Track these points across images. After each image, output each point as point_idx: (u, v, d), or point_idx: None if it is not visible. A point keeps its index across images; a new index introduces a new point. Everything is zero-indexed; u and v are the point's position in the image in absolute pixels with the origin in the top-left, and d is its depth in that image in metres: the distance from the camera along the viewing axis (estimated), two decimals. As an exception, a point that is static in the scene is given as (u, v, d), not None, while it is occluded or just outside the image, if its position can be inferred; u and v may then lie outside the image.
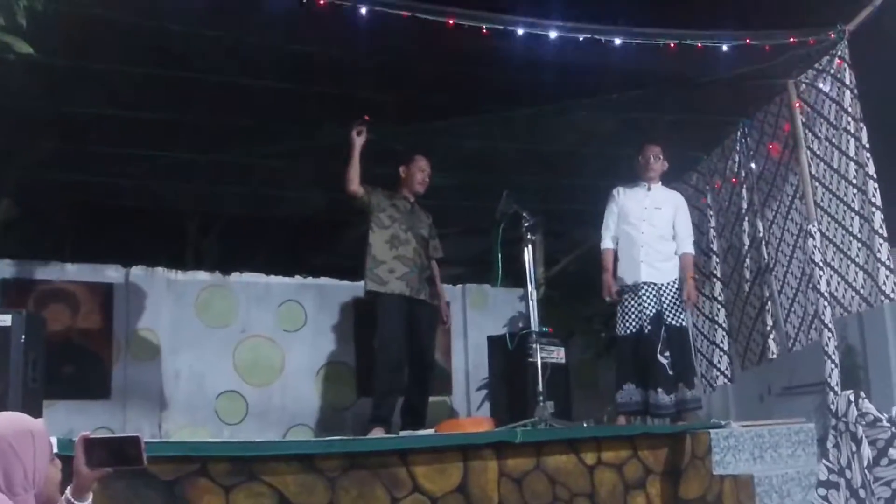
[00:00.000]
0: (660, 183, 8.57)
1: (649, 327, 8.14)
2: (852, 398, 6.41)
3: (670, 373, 8.08)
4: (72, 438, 3.38)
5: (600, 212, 8.59)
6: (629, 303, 8.28)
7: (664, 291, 8.21)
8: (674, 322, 8.16)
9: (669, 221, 8.42)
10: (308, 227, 13.27)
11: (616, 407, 8.29)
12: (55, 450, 3.35)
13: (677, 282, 8.27)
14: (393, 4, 6.51)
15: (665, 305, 8.17)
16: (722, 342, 9.47)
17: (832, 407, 6.82)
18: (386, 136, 8.50)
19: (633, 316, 8.24)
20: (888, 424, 6.24)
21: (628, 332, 8.26)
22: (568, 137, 9.19)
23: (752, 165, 9.16)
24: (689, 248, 8.44)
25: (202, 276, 10.95)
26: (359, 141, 7.96)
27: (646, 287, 8.22)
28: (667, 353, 8.09)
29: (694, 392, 8.19)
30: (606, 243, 8.51)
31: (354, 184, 7.98)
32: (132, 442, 3.27)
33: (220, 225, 14.24)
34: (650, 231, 8.34)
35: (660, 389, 8.02)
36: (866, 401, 6.41)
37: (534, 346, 7.16)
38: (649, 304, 8.19)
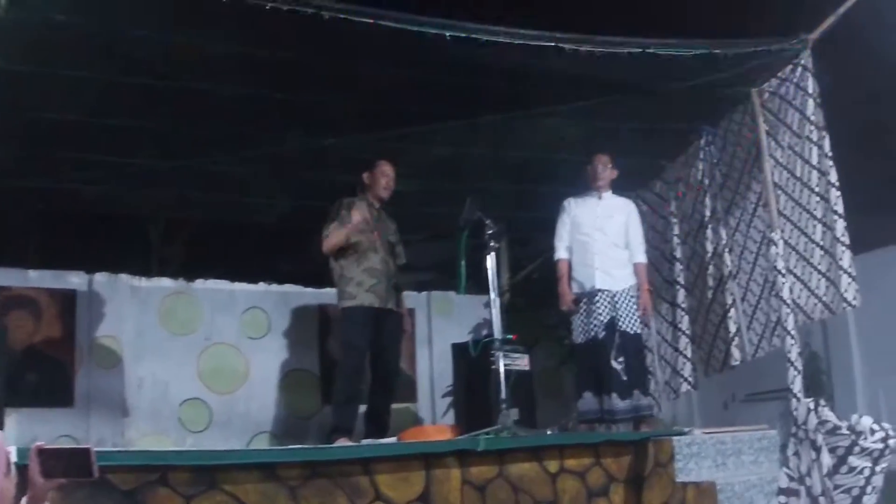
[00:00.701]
0: (610, 191, 8.66)
1: (603, 333, 8.22)
2: (812, 406, 6.47)
3: (624, 378, 8.15)
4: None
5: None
6: (584, 310, 8.37)
7: (618, 298, 8.30)
8: (627, 329, 8.24)
9: (622, 229, 8.52)
10: (273, 234, 13.25)
11: (577, 415, 8.33)
12: (14, 459, 3.32)
13: (632, 289, 8.36)
14: (357, 11, 6.49)
15: (619, 312, 8.25)
16: (685, 349, 9.50)
17: (794, 414, 6.87)
18: (350, 143, 8.49)
19: (588, 323, 8.34)
20: (848, 432, 6.30)
21: (584, 339, 8.37)
22: (534, 145, 9.21)
23: (716, 173, 9.20)
24: (642, 257, 8.54)
25: (166, 283, 10.87)
26: (356, 217, 8.00)
27: (600, 294, 8.31)
28: (620, 359, 8.18)
29: (647, 399, 8.30)
30: (560, 254, 8.61)
31: (329, 249, 8.10)
32: (83, 453, 3.24)
33: (184, 231, 14.21)
34: (603, 239, 8.44)
35: (614, 395, 8.11)
36: (826, 409, 6.46)
37: (497, 353, 7.15)
38: (603, 311, 8.27)
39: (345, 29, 6.55)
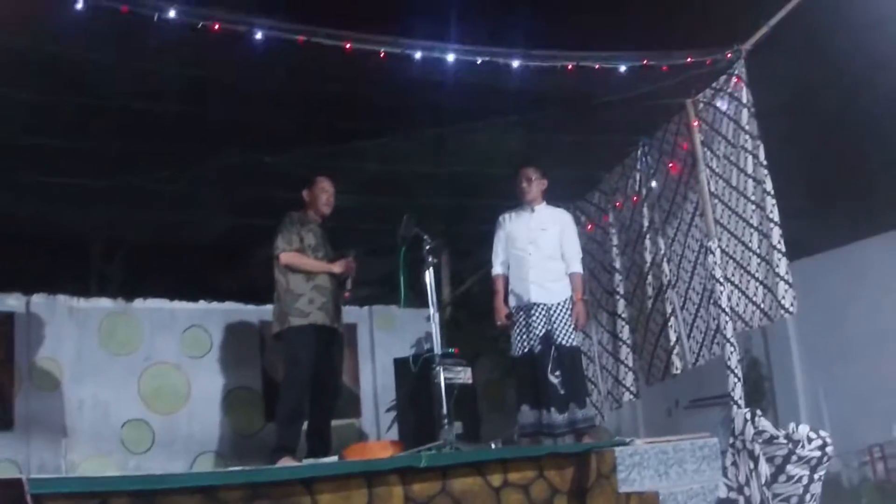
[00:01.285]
0: (543, 203, 8.57)
1: (539, 347, 8.17)
2: (748, 416, 6.49)
3: (561, 392, 8.12)
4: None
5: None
6: (521, 324, 8.31)
7: (554, 312, 8.23)
8: (563, 342, 8.17)
9: (556, 241, 8.42)
10: (212, 251, 13.16)
11: (518, 428, 8.32)
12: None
13: (568, 301, 8.29)
14: (289, 29, 6.48)
15: (555, 325, 8.18)
16: (626, 359, 9.55)
17: (732, 425, 6.90)
18: (288, 160, 8.46)
19: (525, 337, 8.28)
20: (785, 441, 6.33)
21: (521, 352, 8.30)
22: (471, 159, 9.21)
23: (653, 184, 9.27)
24: (578, 268, 8.45)
25: (105, 303, 10.77)
26: (338, 269, 8.08)
27: (536, 307, 8.23)
28: (557, 373, 8.13)
29: (585, 411, 8.23)
30: (496, 269, 8.57)
31: (289, 263, 8.06)
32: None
33: (123, 250, 14.06)
34: (537, 252, 8.37)
35: (552, 409, 8.07)
36: (763, 418, 6.49)
37: (437, 368, 7.13)
38: (539, 325, 8.21)
39: (279, 47, 6.53)
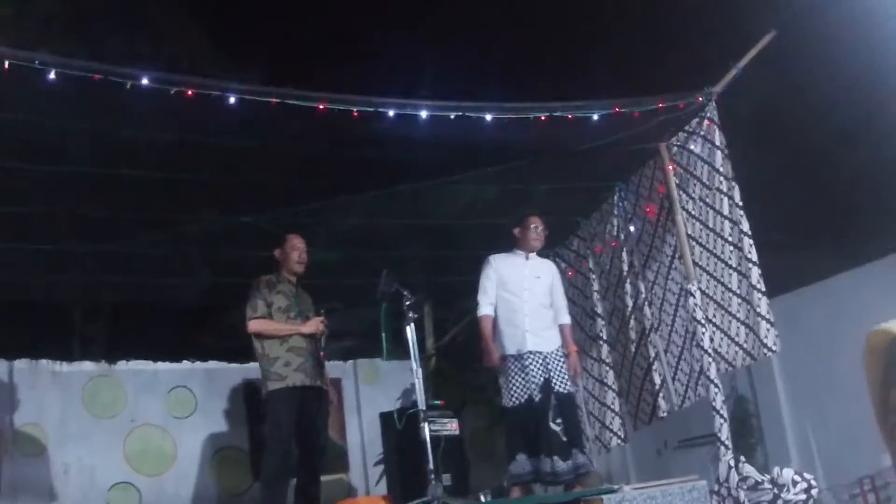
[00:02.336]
0: (535, 252, 8.55)
1: (539, 395, 8.03)
2: (732, 463, 6.51)
3: (564, 439, 8.00)
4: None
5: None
6: (514, 372, 8.14)
7: (550, 359, 8.13)
8: (562, 389, 8.09)
9: (548, 290, 8.41)
10: (194, 311, 13.18)
11: (510, 478, 8.25)
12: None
13: (560, 349, 8.24)
14: (262, 92, 6.52)
15: (552, 373, 8.10)
16: (613, 403, 9.54)
17: (716, 472, 6.89)
18: (266, 219, 8.49)
19: (520, 386, 8.10)
20: (770, 486, 6.34)
21: (517, 402, 8.11)
22: (449, 211, 9.25)
23: (631, 228, 9.30)
24: (567, 319, 8.46)
25: (88, 366, 10.75)
26: (308, 330, 8.07)
27: (532, 356, 8.12)
28: (559, 420, 8.02)
29: (585, 457, 8.17)
30: (485, 310, 8.35)
31: (258, 332, 8.06)
32: None
33: (104, 313, 14.08)
34: (532, 299, 8.29)
35: (555, 457, 7.91)
36: (746, 464, 6.51)
37: (423, 424, 7.11)
38: (537, 373, 8.07)
39: (253, 109, 6.57)
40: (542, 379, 8.09)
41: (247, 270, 8.53)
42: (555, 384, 8.10)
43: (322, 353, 8.30)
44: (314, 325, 8.12)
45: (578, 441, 8.16)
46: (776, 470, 6.53)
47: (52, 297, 11.07)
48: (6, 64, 5.81)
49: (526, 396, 8.10)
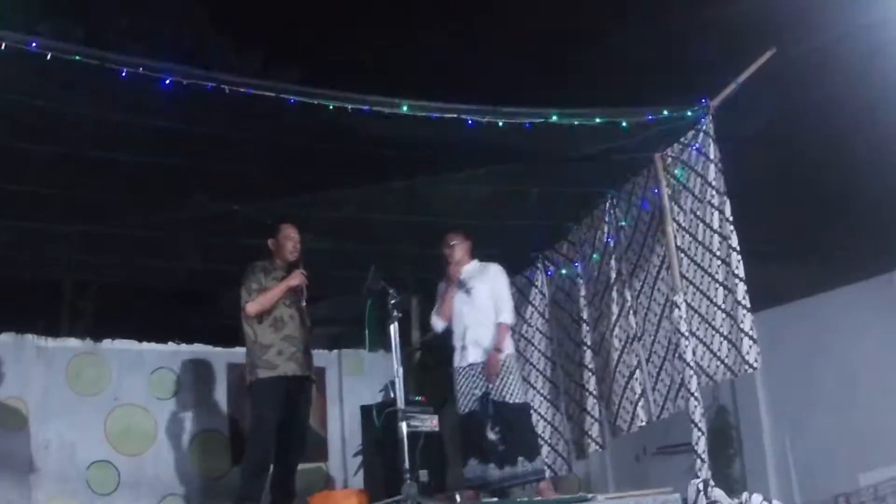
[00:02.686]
0: (474, 262, 8.77)
1: (477, 406, 8.35)
2: (701, 487, 6.53)
3: (500, 448, 8.26)
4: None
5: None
6: (461, 382, 8.50)
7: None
8: (498, 398, 8.31)
9: (487, 294, 8.55)
10: (182, 294, 13.19)
11: (465, 482, 8.39)
12: None
13: (509, 358, 8.44)
14: (258, 86, 6.54)
15: (493, 384, 8.32)
16: (593, 409, 9.54)
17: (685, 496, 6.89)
18: (257, 208, 8.50)
19: (465, 395, 8.45)
20: (738, 512, 6.36)
21: (463, 410, 8.48)
22: (439, 208, 9.24)
23: (620, 236, 9.30)
24: (506, 318, 8.55)
25: (73, 343, 10.76)
26: (294, 282, 8.05)
27: (473, 367, 8.42)
28: (497, 429, 8.29)
29: (535, 464, 8.32)
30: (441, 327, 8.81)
31: (257, 312, 8.02)
32: None
33: (92, 292, 14.08)
34: (471, 313, 8.53)
35: (491, 465, 8.24)
36: (716, 489, 6.52)
37: (401, 423, 7.14)
38: (477, 384, 8.38)
39: (249, 101, 6.58)
40: (481, 390, 8.40)
41: (237, 257, 8.56)
42: (494, 394, 8.33)
43: (304, 304, 8.31)
44: (297, 276, 8.11)
45: (524, 449, 8.33)
46: (745, 495, 6.56)
47: (40, 274, 11.06)
48: (2, 45, 5.80)
49: (469, 406, 8.44)
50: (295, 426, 8.13)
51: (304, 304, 8.32)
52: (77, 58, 6.07)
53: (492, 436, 8.28)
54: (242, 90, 6.47)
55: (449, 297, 8.59)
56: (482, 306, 8.50)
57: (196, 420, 10.94)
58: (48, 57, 5.99)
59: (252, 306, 8.01)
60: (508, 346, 8.56)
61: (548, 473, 10.02)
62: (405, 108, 7.08)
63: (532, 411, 10.03)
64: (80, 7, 12.61)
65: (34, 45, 5.95)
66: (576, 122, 7.61)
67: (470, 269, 8.67)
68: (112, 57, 6.16)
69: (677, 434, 10.34)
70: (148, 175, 8.01)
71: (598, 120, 7.69)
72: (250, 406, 8.22)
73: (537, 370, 10.39)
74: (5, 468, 9.83)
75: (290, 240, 8.27)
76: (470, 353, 8.45)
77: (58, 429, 10.22)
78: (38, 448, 10.09)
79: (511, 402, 8.33)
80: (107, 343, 10.82)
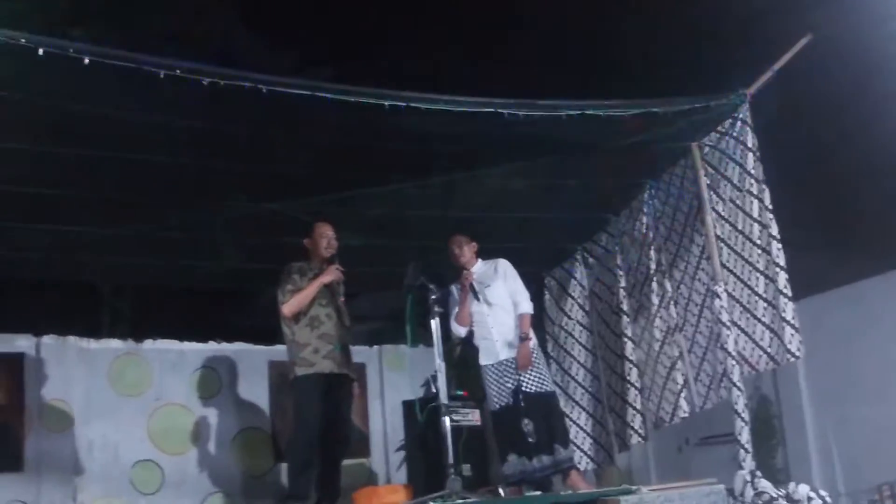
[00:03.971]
0: (478, 261, 8.77)
1: (510, 400, 8.37)
2: (749, 478, 6.50)
3: (532, 440, 8.26)
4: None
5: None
6: (492, 379, 8.53)
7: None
8: (529, 389, 8.33)
9: (503, 291, 8.58)
10: (221, 293, 13.20)
11: (504, 478, 8.39)
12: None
13: (534, 348, 8.46)
14: (294, 84, 6.55)
15: (522, 376, 8.35)
16: (635, 401, 9.51)
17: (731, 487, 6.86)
18: (294, 207, 8.52)
19: (497, 391, 8.48)
20: (785, 502, 6.31)
21: (497, 406, 8.50)
22: (477, 203, 9.23)
23: (660, 226, 9.26)
24: (525, 308, 8.54)
25: (115, 344, 10.85)
26: (328, 278, 8.01)
27: (506, 363, 8.45)
28: (526, 421, 8.28)
29: (567, 451, 8.40)
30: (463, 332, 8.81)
31: (293, 312, 8.01)
32: None
33: (132, 293, 14.12)
34: (491, 311, 8.56)
35: (530, 457, 8.27)
36: (763, 479, 6.49)
37: (444, 418, 7.14)
38: (509, 379, 8.41)
39: (286, 100, 6.59)
40: (513, 384, 8.43)
41: (276, 255, 8.56)
42: (524, 385, 8.38)
43: (342, 300, 8.32)
44: (332, 272, 8.09)
45: (557, 437, 8.37)
46: (792, 485, 6.52)
47: (80, 277, 11.11)
48: (40, 51, 5.83)
49: (503, 402, 8.45)
50: (337, 423, 8.12)
51: (342, 299, 8.32)
52: (113, 61, 6.08)
53: (527, 428, 8.28)
54: (280, 89, 6.45)
55: (466, 303, 8.57)
56: (502, 304, 8.54)
57: (238, 418, 11.01)
58: (86, 62, 6.01)
59: (288, 307, 8.02)
60: (533, 336, 8.57)
61: (589, 465, 10.07)
62: (441, 105, 7.06)
63: (573, 403, 10.07)
64: (113, 10, 12.65)
65: (72, 50, 5.96)
66: (613, 113, 7.56)
67: (479, 270, 8.70)
68: (149, 59, 6.17)
69: (720, 424, 10.29)
70: (185, 176, 8.02)
71: (635, 111, 7.65)
72: (293, 404, 8.24)
73: (578, 362, 10.40)
74: (51, 470, 9.95)
75: (324, 237, 8.25)
76: (499, 350, 8.49)
77: (101, 429, 10.32)
78: (82, 449, 10.21)
79: (542, 390, 8.38)
80: (148, 343, 10.91)
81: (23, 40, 5.83)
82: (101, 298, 14.18)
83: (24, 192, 7.96)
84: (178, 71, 6.22)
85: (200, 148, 7.63)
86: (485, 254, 8.82)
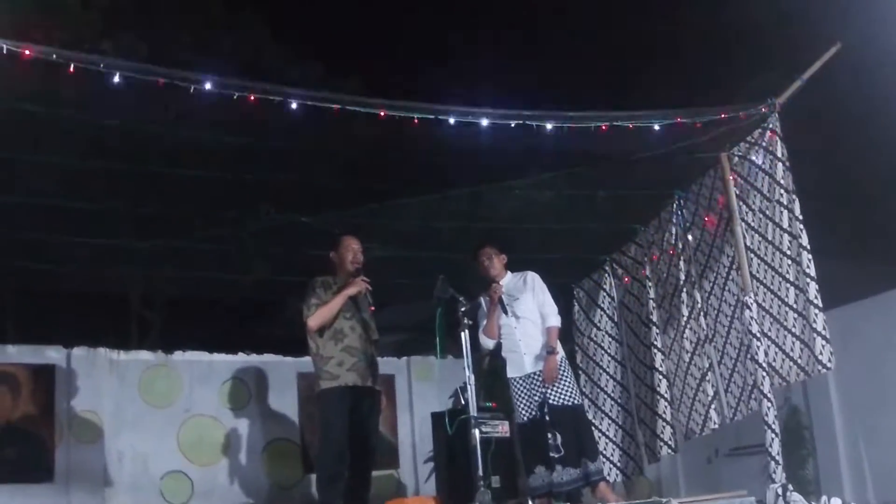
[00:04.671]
0: (508, 274, 8.78)
1: (537, 413, 8.42)
2: (780, 491, 6.46)
3: (561, 452, 8.29)
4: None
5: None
6: (520, 392, 8.57)
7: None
8: (556, 402, 8.38)
9: (531, 304, 8.59)
10: (250, 304, 13.28)
11: (530, 491, 8.38)
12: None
13: (562, 361, 8.53)
14: (324, 98, 6.56)
15: (548, 389, 8.40)
16: (665, 412, 9.48)
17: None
18: (324, 219, 8.54)
19: (524, 404, 8.52)
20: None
21: (524, 419, 8.51)
22: (506, 215, 9.23)
23: (689, 237, 9.23)
24: (553, 321, 8.57)
25: (145, 355, 10.92)
26: (353, 290, 8.01)
27: (533, 376, 8.49)
28: (555, 433, 8.32)
29: (597, 464, 8.41)
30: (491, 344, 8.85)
31: (318, 325, 8.01)
32: None
33: (162, 305, 14.22)
34: (520, 323, 8.57)
35: (557, 469, 8.29)
36: (794, 493, 6.45)
37: (473, 430, 7.13)
38: (536, 392, 8.45)
39: (314, 114, 6.61)
40: (540, 397, 8.49)
41: (304, 267, 8.59)
42: (550, 398, 8.43)
43: (372, 308, 8.31)
44: (357, 284, 8.07)
45: (585, 450, 8.41)
46: (823, 499, 6.49)
47: (111, 289, 11.18)
48: (71, 67, 5.87)
49: (530, 414, 8.50)
50: (363, 436, 8.12)
51: (371, 308, 8.31)
52: (143, 76, 6.12)
53: (552, 440, 8.31)
54: (309, 103, 6.47)
55: (494, 316, 8.59)
56: (530, 317, 8.57)
57: (267, 429, 11.04)
58: (116, 78, 6.05)
59: (312, 320, 8.01)
60: (560, 349, 8.60)
61: (619, 476, 10.05)
62: (470, 118, 7.07)
63: (603, 415, 10.05)
64: (142, 23, 12.74)
65: (102, 66, 6.00)
66: (641, 124, 7.54)
67: (508, 283, 8.72)
68: (179, 74, 6.20)
69: (749, 435, 10.28)
70: (215, 189, 8.07)
71: (664, 122, 7.64)
72: (318, 417, 8.25)
73: (608, 374, 10.39)
74: (81, 480, 10.01)
75: (350, 251, 8.20)
76: (526, 363, 8.52)
77: (131, 440, 10.38)
78: (113, 460, 10.26)
79: (569, 403, 8.40)
80: (178, 355, 10.97)
81: (54, 56, 5.87)
82: (131, 310, 14.28)
83: (56, 206, 8.04)
84: (208, 85, 6.25)
85: (230, 161, 7.67)
86: (514, 265, 8.81)
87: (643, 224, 9.96)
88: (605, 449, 10.09)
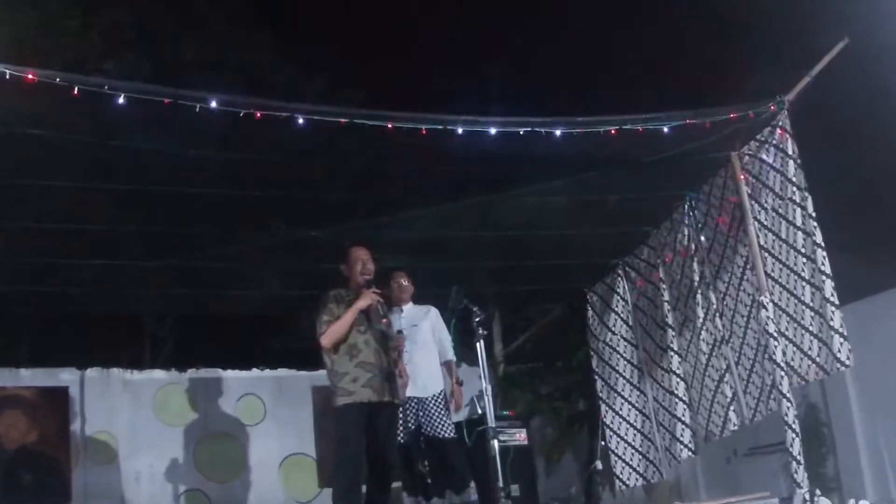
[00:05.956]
0: (411, 303, 8.92)
1: (409, 439, 8.58)
2: (808, 497, 6.40)
3: (429, 481, 8.62)
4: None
5: (550, 290, 8.68)
6: (400, 418, 8.55)
7: (428, 404, 8.65)
8: (432, 433, 8.56)
9: (429, 335, 8.77)
10: (262, 319, 13.27)
11: None
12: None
13: (442, 393, 8.69)
14: (330, 112, 6.53)
15: (425, 418, 8.58)
16: (683, 415, 9.43)
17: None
18: (334, 233, 8.51)
19: (402, 426, 8.54)
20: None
21: (400, 440, 8.56)
22: (517, 222, 9.19)
23: (702, 238, 9.17)
24: (451, 356, 8.81)
25: (158, 374, 10.94)
26: (363, 303, 7.96)
27: (410, 402, 8.56)
28: (426, 463, 8.62)
29: (463, 497, 8.50)
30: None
31: (332, 342, 7.94)
32: None
33: (174, 323, 14.21)
34: (412, 349, 8.63)
35: (421, 498, 8.63)
36: (822, 497, 6.40)
37: (492, 441, 7.08)
38: (411, 418, 8.60)
39: (321, 129, 6.58)
40: (413, 424, 8.66)
41: (316, 281, 8.56)
42: (425, 429, 8.64)
43: (385, 321, 8.23)
44: (368, 297, 8.00)
45: (451, 483, 8.59)
46: (851, 502, 6.43)
47: (122, 309, 11.17)
48: (75, 89, 5.84)
49: (404, 439, 8.61)
50: (381, 450, 8.06)
51: (384, 320, 8.23)
52: (148, 97, 6.09)
53: (422, 469, 8.68)
54: (316, 118, 6.43)
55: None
56: (423, 343, 8.77)
57: (283, 444, 11.06)
58: (120, 100, 6.02)
59: (325, 338, 7.92)
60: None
61: (639, 481, 10.00)
62: (479, 127, 7.03)
63: (621, 419, 10.01)
64: (145, 41, 12.73)
65: (107, 88, 5.97)
66: (650, 126, 7.49)
67: (409, 310, 8.89)
68: (184, 93, 6.16)
69: (767, 434, 10.23)
70: (224, 206, 8.04)
71: (672, 123, 7.59)
72: (334, 432, 8.21)
73: (624, 378, 10.33)
74: (99, 501, 10.00)
75: (359, 261, 8.11)
76: (408, 387, 8.52)
77: (147, 460, 10.39)
78: (129, 480, 10.28)
79: (439, 436, 8.61)
80: (191, 372, 10.98)
81: (57, 79, 5.83)
82: (143, 329, 14.29)
83: (65, 229, 8.03)
84: (213, 104, 6.21)
85: (237, 178, 7.66)
86: (528, 269, 8.81)
87: (655, 226, 9.91)
88: (623, 454, 10.07)
